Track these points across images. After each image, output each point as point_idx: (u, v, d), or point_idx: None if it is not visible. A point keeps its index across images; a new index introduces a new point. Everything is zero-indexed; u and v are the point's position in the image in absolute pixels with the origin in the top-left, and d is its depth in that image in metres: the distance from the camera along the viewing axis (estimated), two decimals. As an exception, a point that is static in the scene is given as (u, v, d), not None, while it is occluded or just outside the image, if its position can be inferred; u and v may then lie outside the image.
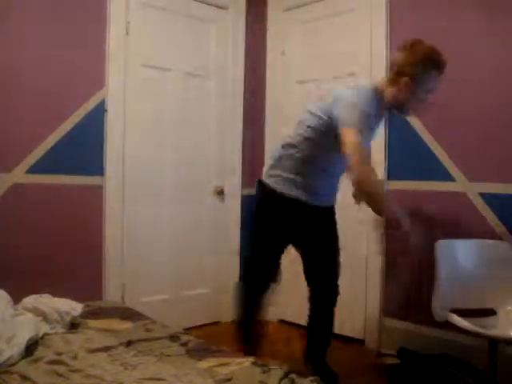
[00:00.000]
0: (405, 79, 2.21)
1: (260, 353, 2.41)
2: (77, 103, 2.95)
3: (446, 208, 2.86)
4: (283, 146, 2.44)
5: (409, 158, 3.02)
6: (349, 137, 2.10)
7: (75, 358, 1.77)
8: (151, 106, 3.32)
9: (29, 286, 2.43)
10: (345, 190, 2.54)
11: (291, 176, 2.39)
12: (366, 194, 2.18)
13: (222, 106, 3.69)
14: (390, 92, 2.28)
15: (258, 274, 2.60)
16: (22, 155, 2.77)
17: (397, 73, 2.24)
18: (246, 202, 3.79)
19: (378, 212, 2.19)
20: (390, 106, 2.32)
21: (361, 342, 3.23)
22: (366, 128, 2.18)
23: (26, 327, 1.89)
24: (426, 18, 2.95)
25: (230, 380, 1.62)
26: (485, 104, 2.73)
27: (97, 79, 3.03)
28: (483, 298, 2.45)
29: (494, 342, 2.31)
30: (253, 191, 3.80)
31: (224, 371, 1.69)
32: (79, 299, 2.31)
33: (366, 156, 2.18)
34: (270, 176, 2.46)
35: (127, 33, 3.16)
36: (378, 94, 2.27)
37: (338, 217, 2.65)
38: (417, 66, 2.21)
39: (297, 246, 2.58)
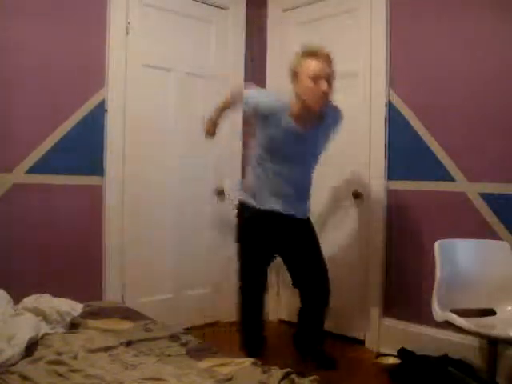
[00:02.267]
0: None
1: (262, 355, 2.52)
2: (77, 103, 2.95)
3: (446, 208, 2.86)
4: None
5: (409, 158, 3.02)
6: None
7: (75, 358, 1.76)
8: (151, 106, 3.32)
9: (29, 286, 2.43)
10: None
11: None
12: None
13: (221, 106, 3.68)
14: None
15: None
16: (22, 155, 2.76)
17: None
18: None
19: None
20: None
21: (361, 342, 3.23)
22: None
23: (26, 327, 1.89)
24: (425, 18, 2.95)
25: (230, 380, 1.62)
26: (485, 104, 2.72)
27: (97, 79, 3.03)
28: (483, 297, 2.45)
29: (494, 342, 2.31)
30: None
31: (224, 371, 1.69)
32: (79, 299, 2.31)
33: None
34: None
35: (127, 33, 3.15)
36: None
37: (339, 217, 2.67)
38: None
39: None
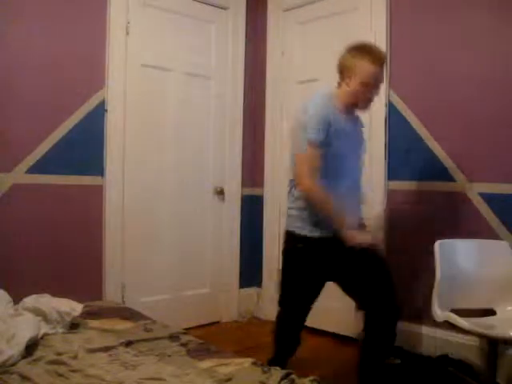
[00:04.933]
0: (347, 79, 2.28)
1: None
2: (77, 103, 2.95)
3: (446, 208, 2.86)
4: None
5: (409, 158, 3.02)
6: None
7: (75, 357, 1.77)
8: (151, 106, 3.32)
9: (29, 285, 2.43)
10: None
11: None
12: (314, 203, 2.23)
13: (221, 106, 3.69)
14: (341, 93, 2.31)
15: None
16: (22, 155, 2.76)
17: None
18: (246, 201, 3.80)
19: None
20: (346, 106, 2.32)
21: (361, 341, 3.22)
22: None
23: (25, 327, 1.89)
24: (425, 18, 2.95)
25: (230, 380, 1.62)
26: (485, 104, 2.72)
27: (97, 79, 3.03)
28: (483, 298, 2.45)
29: (494, 342, 2.31)
30: (253, 191, 3.83)
31: (224, 371, 1.69)
32: (79, 299, 2.31)
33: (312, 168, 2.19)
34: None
35: (127, 33, 3.15)
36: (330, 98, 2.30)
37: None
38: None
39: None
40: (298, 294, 2.38)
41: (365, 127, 2.53)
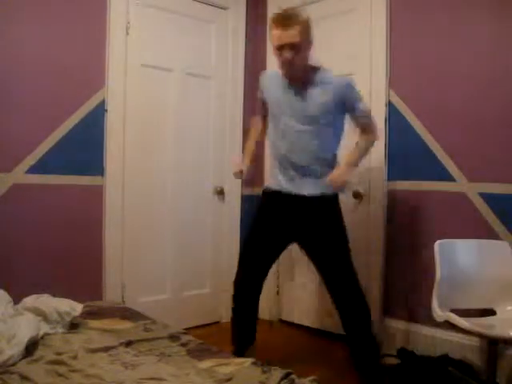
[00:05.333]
0: None
1: (249, 354, 2.50)
2: (77, 103, 2.94)
3: (446, 208, 2.86)
4: None
5: (409, 158, 3.02)
6: None
7: (75, 357, 1.77)
8: (151, 106, 3.32)
9: (29, 286, 2.43)
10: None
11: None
12: None
13: (221, 106, 3.69)
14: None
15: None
16: (22, 155, 2.76)
17: None
18: (246, 201, 3.79)
19: None
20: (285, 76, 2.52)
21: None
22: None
23: (26, 327, 1.89)
24: (426, 18, 2.95)
25: (230, 380, 1.62)
26: (485, 104, 2.72)
27: (97, 79, 3.03)
28: (483, 298, 2.45)
29: (494, 342, 2.31)
30: (253, 191, 3.83)
31: (224, 371, 1.69)
32: (79, 299, 2.31)
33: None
34: None
35: (127, 33, 3.15)
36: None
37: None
38: None
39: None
40: (251, 242, 2.62)
41: (320, 101, 2.46)
